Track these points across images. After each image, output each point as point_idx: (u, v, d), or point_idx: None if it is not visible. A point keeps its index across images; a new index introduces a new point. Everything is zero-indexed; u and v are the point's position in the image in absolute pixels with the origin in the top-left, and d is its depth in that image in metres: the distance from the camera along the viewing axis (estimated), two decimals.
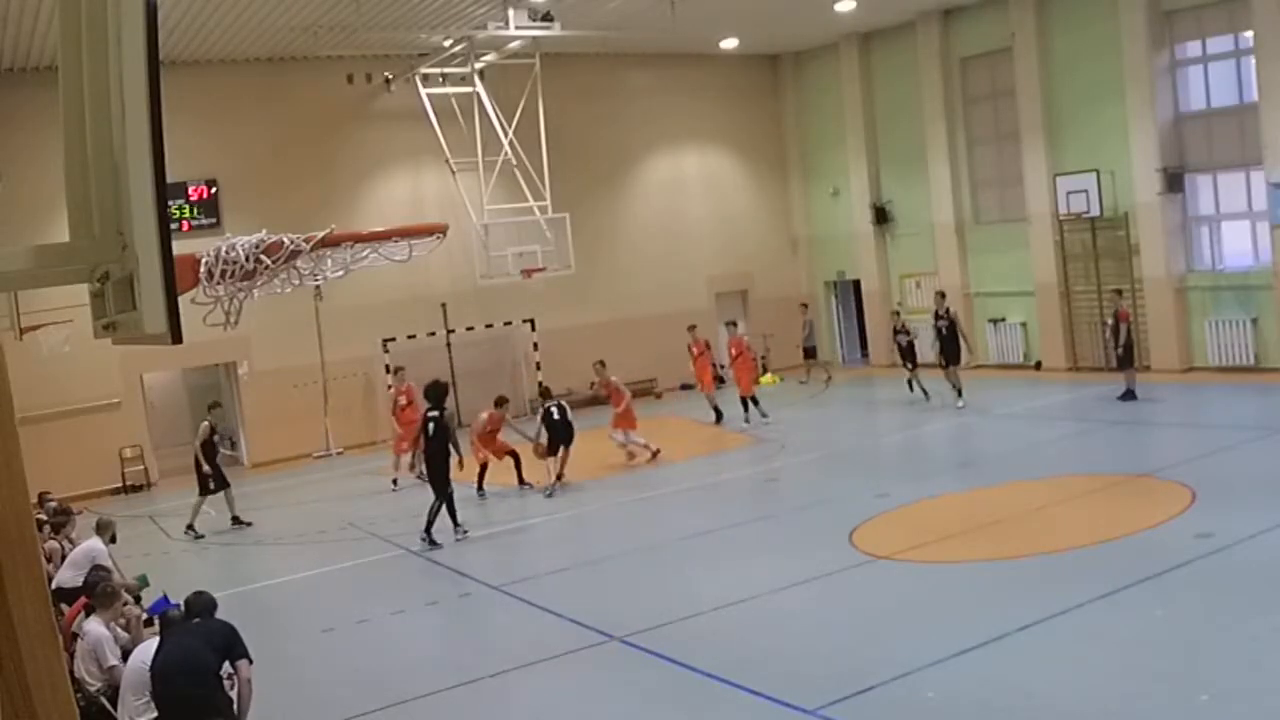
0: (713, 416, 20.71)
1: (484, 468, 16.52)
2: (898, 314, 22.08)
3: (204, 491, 16.18)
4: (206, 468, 16.03)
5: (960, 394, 19.34)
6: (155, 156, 2.78)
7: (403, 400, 18.38)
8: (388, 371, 22.92)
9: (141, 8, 2.75)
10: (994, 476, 14.36)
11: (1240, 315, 19.67)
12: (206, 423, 16.35)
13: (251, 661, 7.16)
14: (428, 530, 13.74)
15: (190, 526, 16.10)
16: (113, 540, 11.71)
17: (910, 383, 20.58)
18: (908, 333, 20.81)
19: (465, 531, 14.03)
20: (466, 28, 20.38)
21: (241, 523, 16.32)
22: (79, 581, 9.83)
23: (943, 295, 20.45)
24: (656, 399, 24.81)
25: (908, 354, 20.70)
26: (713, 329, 26.86)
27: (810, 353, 25.13)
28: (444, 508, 13.83)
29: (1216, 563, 9.57)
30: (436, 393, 14.26)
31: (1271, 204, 18.63)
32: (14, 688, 3.57)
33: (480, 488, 16.42)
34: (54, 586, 10.60)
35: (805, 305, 25.65)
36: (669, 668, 8.74)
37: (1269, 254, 19.00)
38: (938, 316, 19.74)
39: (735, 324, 22.14)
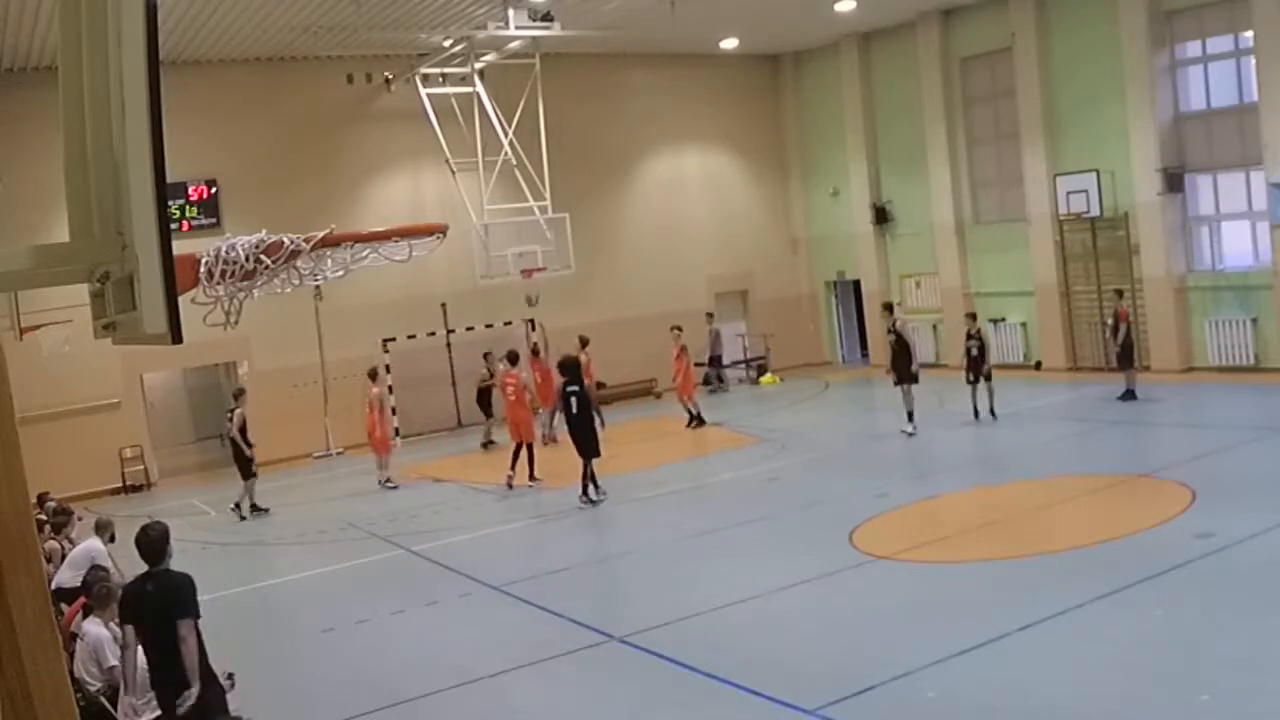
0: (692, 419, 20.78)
1: (519, 450, 16.87)
2: (973, 317, 19.00)
3: (247, 476, 16.96)
4: (249, 452, 16.82)
5: (910, 417, 17.42)
6: (155, 156, 2.79)
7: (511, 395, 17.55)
8: (388, 371, 22.96)
9: (141, 8, 2.75)
10: (994, 476, 14.36)
11: (1240, 315, 19.68)
12: (241, 410, 16.89)
13: (197, 618, 6.63)
14: (587, 488, 14.94)
15: (255, 506, 17.09)
16: (112, 539, 11.70)
17: (976, 407, 17.95)
18: (979, 339, 18.17)
19: (597, 499, 14.92)
20: (466, 28, 20.38)
21: (260, 510, 17.16)
22: (79, 581, 9.81)
23: (889, 308, 18.72)
24: (656, 399, 24.82)
25: (975, 367, 17.96)
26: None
27: (715, 361, 25.03)
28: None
29: (1216, 563, 9.57)
30: (573, 369, 15.23)
31: (1271, 204, 18.63)
32: (14, 688, 3.57)
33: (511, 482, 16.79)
34: (54, 586, 10.58)
35: (710, 315, 25.03)
36: (669, 668, 8.73)
37: (1269, 254, 19.01)
38: (889, 331, 18.01)
39: (679, 329, 21.69)
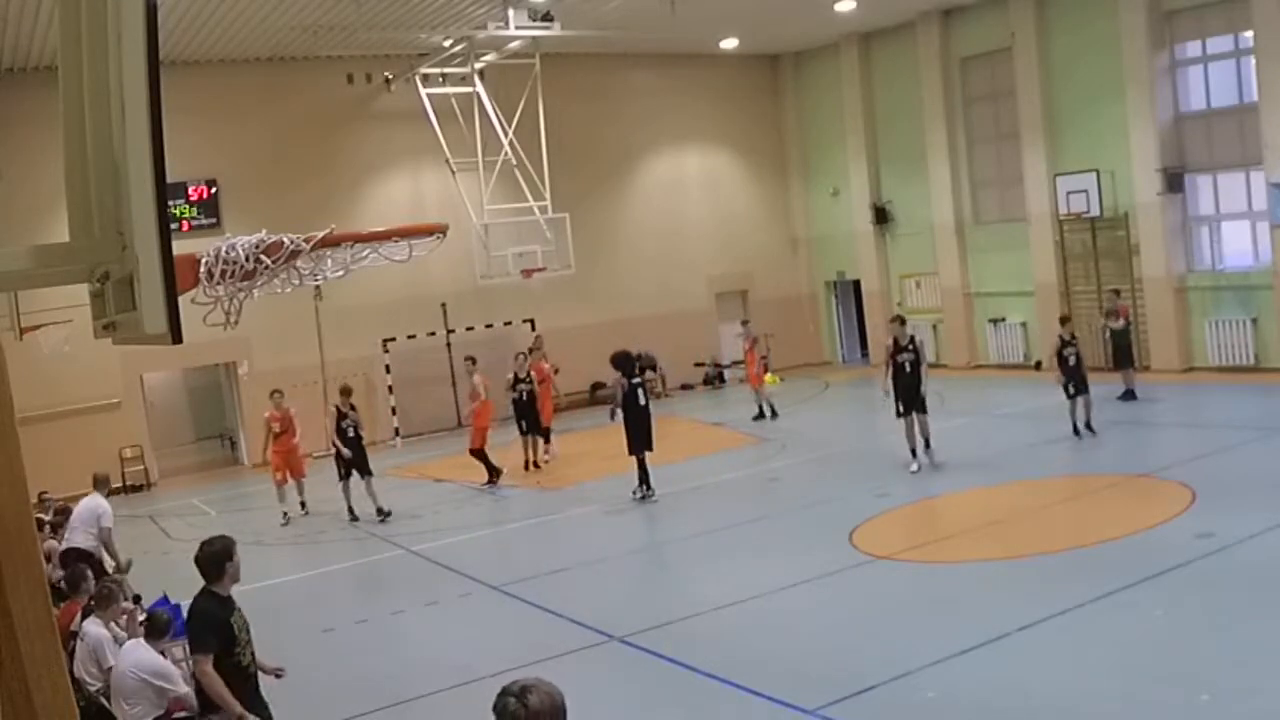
0: (756, 412, 20.88)
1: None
2: (1067, 321, 16.93)
3: (359, 475, 15.59)
4: (346, 452, 15.51)
5: (928, 444, 14.88)
6: (155, 156, 2.78)
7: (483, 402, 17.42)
8: (387, 371, 22.97)
9: (141, 8, 2.75)
10: (994, 476, 14.34)
11: (1240, 315, 19.67)
12: (334, 406, 15.97)
13: (208, 653, 6.30)
14: (643, 483, 14.92)
15: (379, 510, 15.54)
16: (109, 495, 11.92)
17: (1076, 423, 15.66)
18: (1074, 344, 15.80)
19: (651, 497, 14.94)
20: (466, 28, 20.38)
21: (384, 513, 15.57)
22: (90, 542, 10.02)
23: (902, 320, 15.59)
24: (657, 399, 24.78)
25: (1075, 376, 15.55)
26: (713, 329, 26.97)
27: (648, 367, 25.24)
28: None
29: (1216, 563, 9.57)
30: (631, 363, 15.29)
31: (1271, 204, 18.63)
32: (14, 687, 3.57)
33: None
34: (65, 547, 10.92)
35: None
36: (669, 668, 8.74)
37: (1269, 254, 19.01)
38: (900, 348, 14.91)
39: (748, 322, 22.53)
